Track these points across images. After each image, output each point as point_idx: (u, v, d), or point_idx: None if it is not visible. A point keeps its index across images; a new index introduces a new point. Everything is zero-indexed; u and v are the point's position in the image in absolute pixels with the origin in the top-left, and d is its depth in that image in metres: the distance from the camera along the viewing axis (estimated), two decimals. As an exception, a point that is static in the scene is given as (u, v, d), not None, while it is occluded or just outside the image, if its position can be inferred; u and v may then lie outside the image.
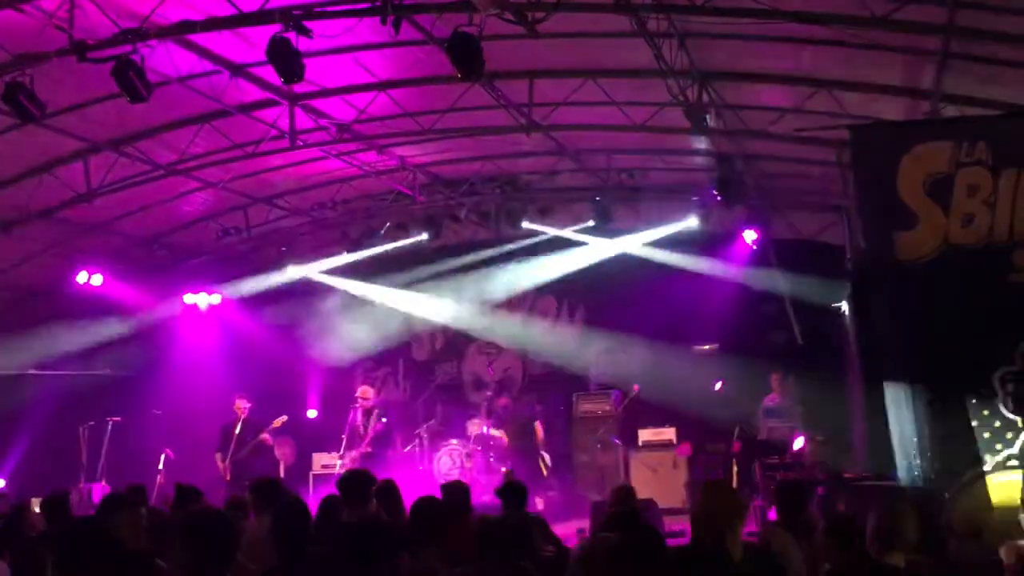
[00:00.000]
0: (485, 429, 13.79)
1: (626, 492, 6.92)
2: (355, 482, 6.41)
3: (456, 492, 6.92)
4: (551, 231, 14.49)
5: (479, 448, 13.68)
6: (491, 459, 13.61)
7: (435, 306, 15.89)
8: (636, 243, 14.29)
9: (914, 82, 9.05)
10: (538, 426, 13.78)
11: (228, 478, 12.12)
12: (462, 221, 14.60)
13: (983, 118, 8.49)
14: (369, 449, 12.59)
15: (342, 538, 5.02)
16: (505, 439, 13.67)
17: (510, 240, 14.86)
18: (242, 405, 12.57)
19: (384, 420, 12.94)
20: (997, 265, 7.31)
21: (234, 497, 7.47)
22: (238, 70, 9.37)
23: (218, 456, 12.36)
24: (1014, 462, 7.02)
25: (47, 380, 14.03)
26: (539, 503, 12.33)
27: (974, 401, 7.13)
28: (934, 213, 7.49)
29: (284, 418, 12.83)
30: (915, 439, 7.37)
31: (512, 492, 6.82)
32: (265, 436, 12.53)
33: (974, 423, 7.10)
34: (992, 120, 8.38)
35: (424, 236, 14.59)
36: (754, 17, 7.67)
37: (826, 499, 8.11)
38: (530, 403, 14.40)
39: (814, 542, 5.11)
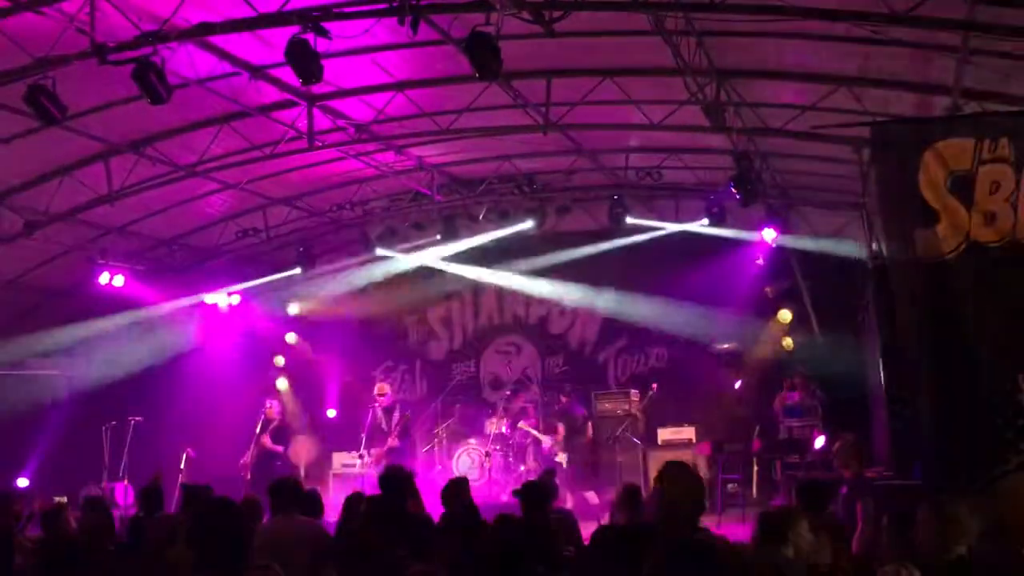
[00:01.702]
0: (504, 428, 13.80)
1: (631, 495, 6.35)
2: (395, 479, 6.41)
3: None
4: (570, 229, 14.49)
5: (497, 447, 13.69)
6: (510, 459, 13.62)
7: (452, 304, 15.94)
8: (655, 242, 14.25)
9: (934, 78, 8.97)
10: (590, 426, 13.80)
11: (248, 477, 12.23)
12: (480, 221, 14.62)
13: (1006, 114, 8.37)
14: (397, 443, 12.58)
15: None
16: (560, 435, 13.55)
17: (531, 238, 14.85)
18: (270, 405, 12.76)
19: (407, 415, 12.96)
20: (1020, 263, 7.23)
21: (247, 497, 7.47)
22: (257, 71, 9.41)
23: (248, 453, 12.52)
24: (1037, 461, 6.94)
25: (69, 380, 14.16)
26: (593, 497, 12.43)
27: (997, 399, 7.06)
28: (956, 210, 7.41)
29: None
30: (936, 437, 7.30)
31: (528, 493, 6.81)
32: (264, 439, 12.58)
33: (997, 421, 7.03)
34: (1015, 116, 8.26)
35: (442, 236, 14.61)
36: (772, 14, 7.62)
37: (848, 499, 8.05)
38: (578, 402, 14.30)
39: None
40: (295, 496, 6.99)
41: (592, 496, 12.43)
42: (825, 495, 6.61)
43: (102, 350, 14.31)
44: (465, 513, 6.01)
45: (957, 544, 4.47)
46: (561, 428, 13.62)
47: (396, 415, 12.80)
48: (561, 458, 13.24)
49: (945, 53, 8.30)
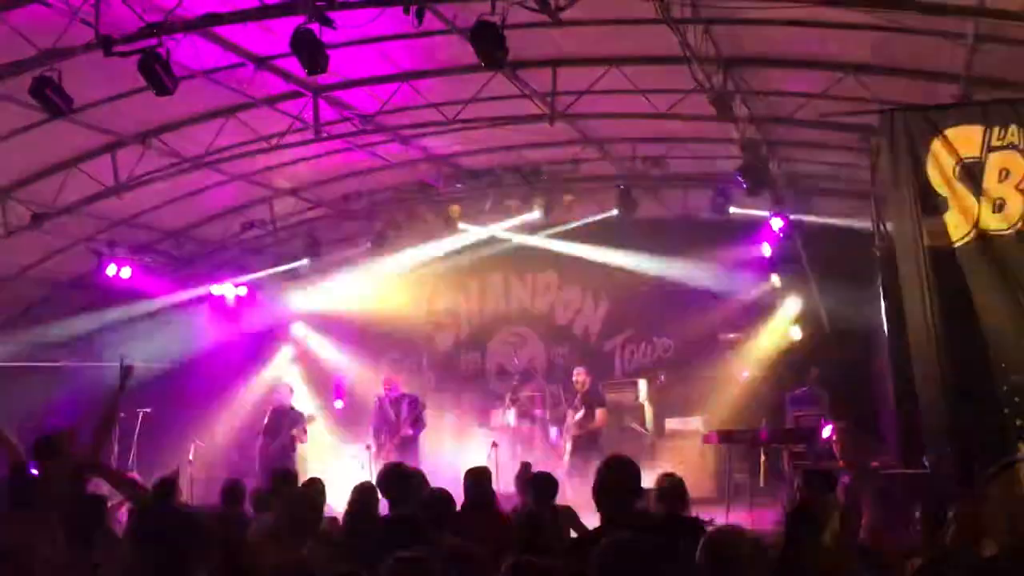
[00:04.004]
0: (511, 420, 13.79)
1: (673, 485, 6.10)
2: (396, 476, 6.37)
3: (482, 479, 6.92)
4: (576, 221, 14.47)
5: (504, 438, 13.68)
6: (517, 449, 13.61)
7: (459, 295, 15.94)
8: (660, 230, 14.21)
9: (943, 65, 8.91)
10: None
11: (258, 468, 12.25)
12: (486, 212, 14.59)
13: (1015, 101, 8.33)
14: (411, 432, 12.55)
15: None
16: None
17: (534, 229, 14.82)
18: (278, 396, 12.82)
19: (422, 403, 12.93)
20: (1029, 251, 7.20)
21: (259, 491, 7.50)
22: (262, 62, 9.40)
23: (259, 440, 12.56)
24: (1047, 450, 6.92)
25: (77, 372, 14.18)
26: None
27: (1005, 388, 7.04)
28: (965, 198, 7.39)
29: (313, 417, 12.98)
30: (945, 427, 7.29)
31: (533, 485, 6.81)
32: (296, 433, 12.61)
33: (1006, 410, 7.01)
34: (1024, 103, 8.23)
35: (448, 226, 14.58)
36: (780, 1, 7.58)
37: (851, 488, 8.04)
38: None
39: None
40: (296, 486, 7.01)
41: None
42: (831, 484, 6.61)
43: (109, 342, 14.32)
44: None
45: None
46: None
47: (405, 406, 12.77)
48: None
49: (954, 40, 8.25)
